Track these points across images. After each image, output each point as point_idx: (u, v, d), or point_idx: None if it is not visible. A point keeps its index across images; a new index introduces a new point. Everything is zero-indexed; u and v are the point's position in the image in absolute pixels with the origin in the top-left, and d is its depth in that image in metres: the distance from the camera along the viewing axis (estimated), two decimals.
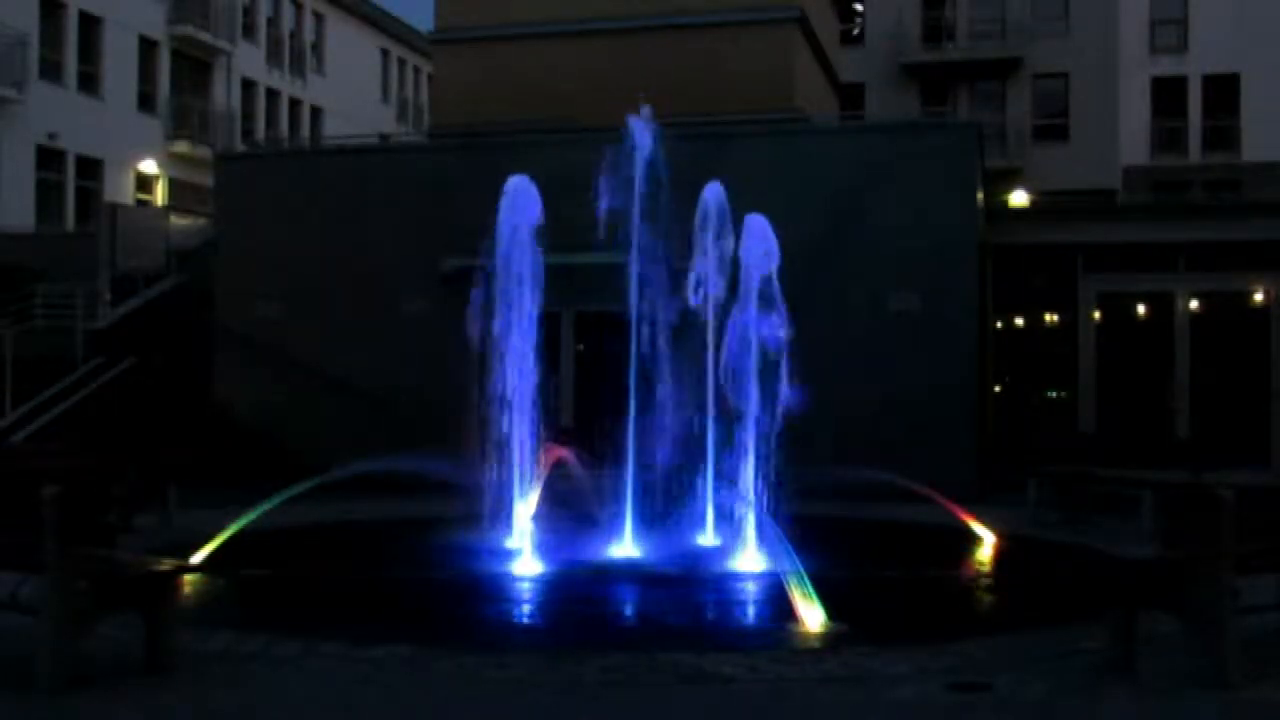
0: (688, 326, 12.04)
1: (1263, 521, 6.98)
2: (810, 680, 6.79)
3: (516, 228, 11.82)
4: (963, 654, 7.25)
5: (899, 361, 17.55)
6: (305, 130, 43.45)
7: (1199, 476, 12.63)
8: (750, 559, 10.71)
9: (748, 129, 19.81)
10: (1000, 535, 12.97)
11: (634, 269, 11.82)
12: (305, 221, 20.14)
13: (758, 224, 11.75)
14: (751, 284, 11.68)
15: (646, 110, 12.11)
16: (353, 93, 45.09)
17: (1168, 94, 41.47)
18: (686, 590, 10.09)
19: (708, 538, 11.90)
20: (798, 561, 8.52)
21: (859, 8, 41.10)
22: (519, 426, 11.77)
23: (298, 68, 43.38)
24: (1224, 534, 6.54)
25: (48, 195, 32.33)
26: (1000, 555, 12.43)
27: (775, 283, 11.58)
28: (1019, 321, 20.49)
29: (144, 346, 21.42)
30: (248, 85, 40.52)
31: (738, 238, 11.88)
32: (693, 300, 12.07)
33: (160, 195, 35.61)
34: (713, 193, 12.20)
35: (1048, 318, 20.52)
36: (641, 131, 11.94)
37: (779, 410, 11.48)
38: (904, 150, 18.63)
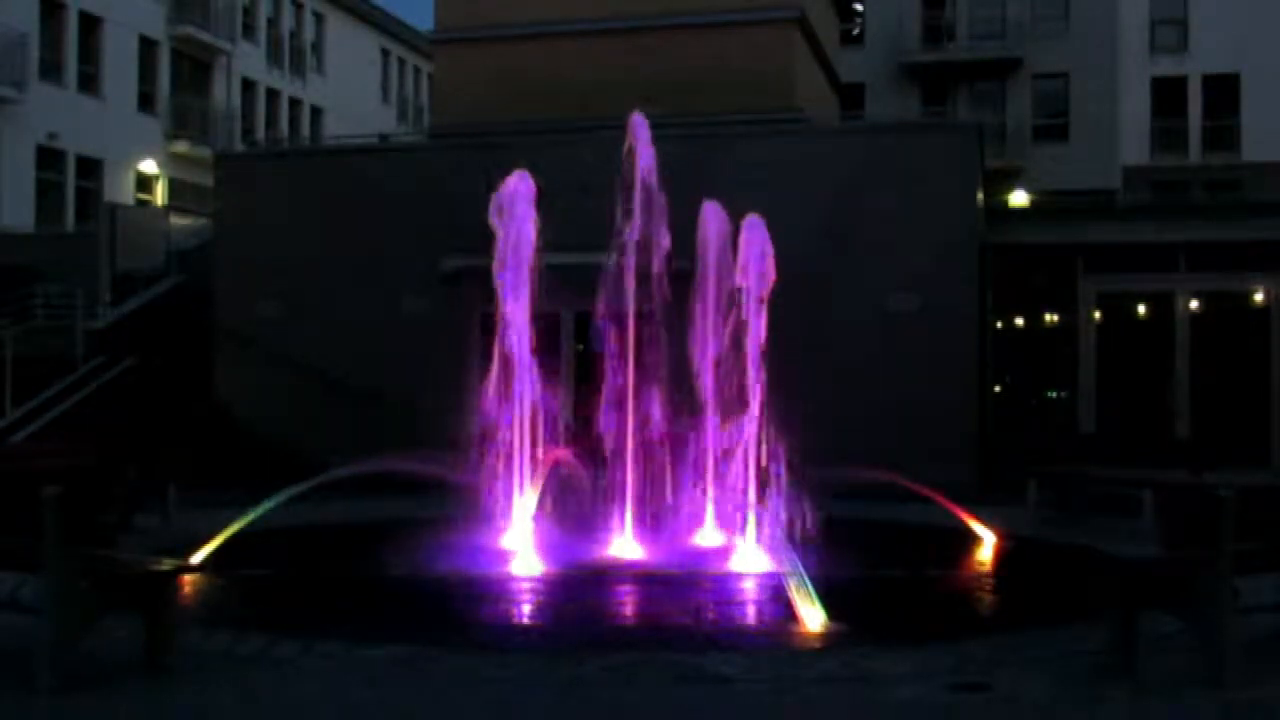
0: (688, 326, 12.03)
1: (1263, 521, 6.97)
2: (810, 680, 6.78)
3: (514, 228, 11.80)
4: (963, 654, 7.23)
5: (899, 361, 17.55)
6: (305, 130, 43.43)
7: (1199, 476, 12.63)
8: (750, 559, 10.71)
9: (748, 129, 19.80)
10: (1000, 535, 12.96)
11: (633, 269, 11.81)
12: (305, 221, 20.14)
13: (756, 229, 11.72)
14: (751, 285, 11.66)
15: (647, 110, 12.10)
16: (353, 93, 45.06)
17: (1168, 94, 41.44)
18: (686, 590, 10.08)
19: (708, 537, 11.89)
20: (798, 561, 8.51)
21: (859, 8, 41.07)
22: (518, 426, 11.77)
23: (298, 68, 43.37)
24: (1224, 534, 6.54)
25: (48, 195, 32.30)
26: (1000, 555, 12.43)
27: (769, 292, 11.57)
28: (1019, 321, 20.47)
29: (144, 346, 21.41)
30: (248, 85, 40.50)
31: (736, 241, 11.86)
32: (693, 300, 12.06)
33: (160, 195, 35.59)
34: (712, 210, 12.15)
35: (1048, 318, 20.51)
36: (641, 131, 11.93)
37: (778, 410, 11.47)
38: (904, 150, 18.64)
